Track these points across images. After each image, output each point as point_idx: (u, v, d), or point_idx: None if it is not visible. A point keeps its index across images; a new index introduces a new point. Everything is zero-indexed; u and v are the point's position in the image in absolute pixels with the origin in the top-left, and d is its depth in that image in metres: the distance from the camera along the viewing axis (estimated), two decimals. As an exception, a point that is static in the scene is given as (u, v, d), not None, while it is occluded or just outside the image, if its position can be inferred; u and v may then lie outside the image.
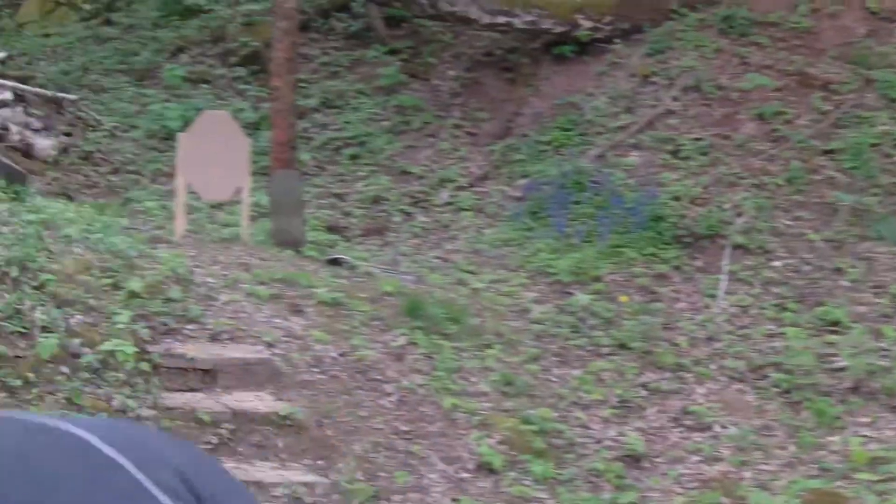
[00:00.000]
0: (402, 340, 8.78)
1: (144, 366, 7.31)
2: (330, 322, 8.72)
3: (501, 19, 15.39)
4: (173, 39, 18.61)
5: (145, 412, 7.02)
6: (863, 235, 11.48)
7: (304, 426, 7.42)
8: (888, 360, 9.31)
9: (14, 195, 9.24)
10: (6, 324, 6.99)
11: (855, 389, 9.00)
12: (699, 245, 11.48)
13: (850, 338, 9.67)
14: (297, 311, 8.77)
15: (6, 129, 13.10)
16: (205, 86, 16.81)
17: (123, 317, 7.48)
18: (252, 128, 15.05)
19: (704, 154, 12.77)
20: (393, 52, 17.02)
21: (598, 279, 10.96)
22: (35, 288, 7.39)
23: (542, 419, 8.20)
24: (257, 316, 8.45)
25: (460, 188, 13.87)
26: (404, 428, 7.81)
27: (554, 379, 9.12)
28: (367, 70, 16.76)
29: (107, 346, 7.17)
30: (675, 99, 13.76)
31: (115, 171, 14.24)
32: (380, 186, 13.99)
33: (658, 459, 8.31)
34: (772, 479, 8.00)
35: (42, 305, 7.28)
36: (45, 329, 7.08)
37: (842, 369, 9.21)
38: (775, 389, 9.10)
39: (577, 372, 9.29)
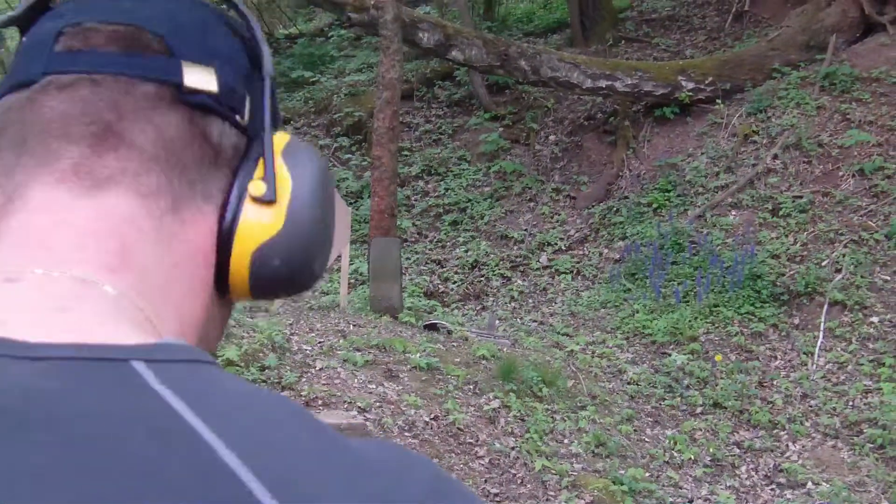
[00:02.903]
0: (495, 403, 8.84)
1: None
2: (424, 387, 8.81)
3: (603, 83, 15.50)
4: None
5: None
6: (965, 290, 11.31)
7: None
8: None
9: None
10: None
11: (953, 446, 8.87)
12: (796, 302, 11.42)
13: (949, 394, 9.53)
14: (392, 376, 8.87)
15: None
16: (309, 157, 17.18)
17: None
18: (354, 196, 15.40)
19: (804, 211, 12.71)
20: (495, 118, 17.25)
21: (694, 339, 10.97)
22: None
23: (633, 479, 8.20)
24: (352, 382, 8.57)
25: (559, 251, 13.99)
26: (494, 490, 7.86)
27: (647, 439, 9.12)
28: (469, 137, 17.00)
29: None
30: (775, 157, 13.73)
31: (218, 242, 14.57)
32: (479, 251, 14.17)
33: (751, 519, 8.29)
34: (866, 537, 7.93)
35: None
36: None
37: (940, 426, 9.08)
38: (870, 445, 8.99)
39: (670, 432, 9.29)
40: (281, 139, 1.00)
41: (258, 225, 0.94)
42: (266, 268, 0.96)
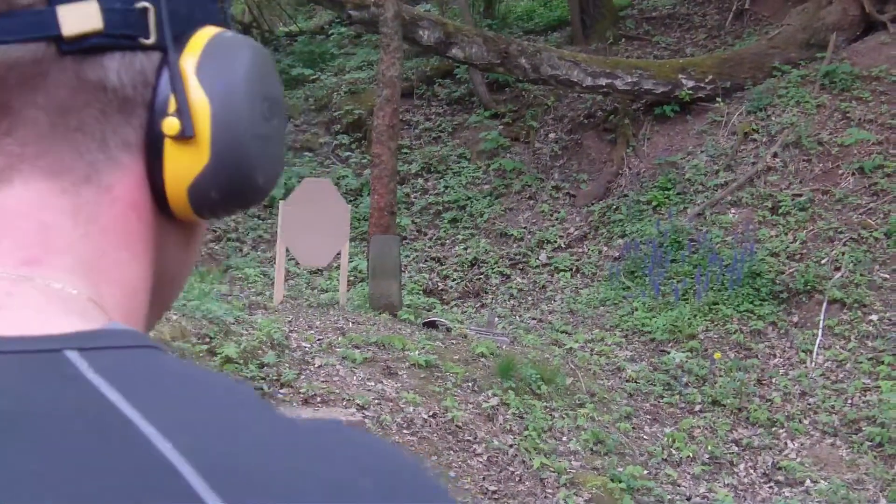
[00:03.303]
0: (493, 401, 8.85)
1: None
2: (422, 384, 8.82)
3: (603, 81, 15.50)
4: (279, 109, 19.08)
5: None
6: (965, 288, 11.32)
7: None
8: None
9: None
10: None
11: (952, 444, 8.87)
12: (795, 300, 11.42)
13: (948, 392, 9.54)
14: (391, 373, 8.88)
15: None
16: (308, 154, 17.20)
17: (217, 382, 7.67)
18: (354, 194, 15.40)
19: (803, 209, 12.72)
20: (495, 116, 17.25)
21: (693, 337, 10.97)
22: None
23: (632, 477, 8.21)
24: (350, 379, 8.58)
25: (558, 249, 14.00)
26: (492, 488, 7.87)
27: (645, 437, 9.13)
28: (468, 135, 17.00)
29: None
30: (775, 155, 13.73)
31: (217, 239, 14.64)
32: (478, 249, 14.18)
33: (748, 516, 8.29)
34: (864, 535, 7.93)
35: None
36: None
37: (939, 423, 9.09)
38: (868, 443, 9.00)
39: (668, 429, 9.29)
40: (196, 46, 0.90)
41: (183, 164, 0.88)
42: (206, 200, 0.91)
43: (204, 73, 0.88)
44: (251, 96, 0.90)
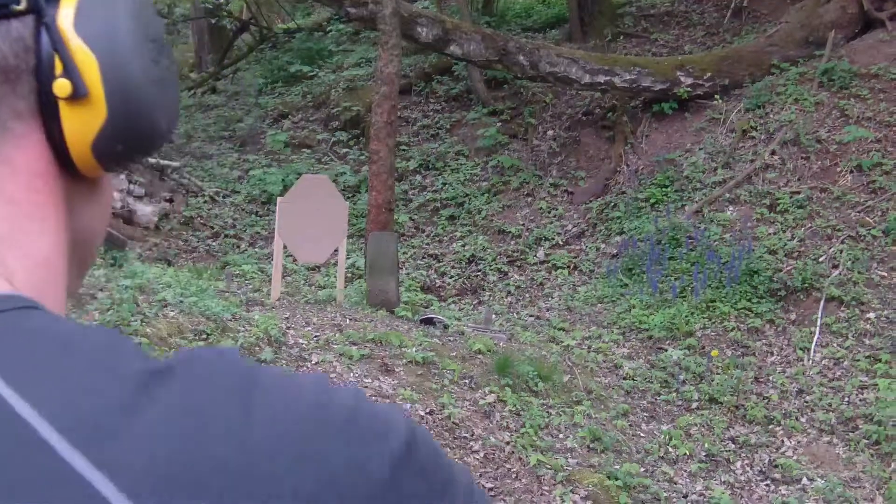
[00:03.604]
0: (490, 398, 8.83)
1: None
2: (419, 381, 8.80)
3: (602, 78, 15.50)
4: (277, 105, 19.10)
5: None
6: (963, 286, 11.32)
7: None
8: None
9: (112, 261, 9.54)
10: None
11: (950, 442, 8.87)
12: (793, 298, 11.42)
13: (945, 390, 9.54)
14: (388, 370, 8.86)
15: (110, 196, 13.48)
16: (307, 150, 17.21)
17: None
18: (352, 191, 15.40)
19: (801, 207, 12.71)
20: (493, 113, 17.24)
21: (690, 334, 10.97)
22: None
23: (628, 474, 8.19)
24: (348, 376, 8.56)
25: (556, 246, 14.00)
26: (489, 485, 7.86)
27: (642, 434, 9.12)
28: (467, 131, 17.00)
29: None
30: (773, 153, 13.72)
31: (215, 236, 14.64)
32: (476, 246, 14.18)
33: (745, 514, 8.29)
34: (861, 533, 7.93)
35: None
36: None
37: (936, 421, 9.08)
38: (865, 441, 8.99)
39: (665, 427, 9.28)
40: (69, 1, 0.87)
41: (82, 123, 0.87)
42: (112, 154, 0.90)
43: (83, 27, 0.87)
44: (136, 42, 0.89)
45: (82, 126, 0.87)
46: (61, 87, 0.85)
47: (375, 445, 0.73)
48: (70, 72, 0.85)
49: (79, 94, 0.86)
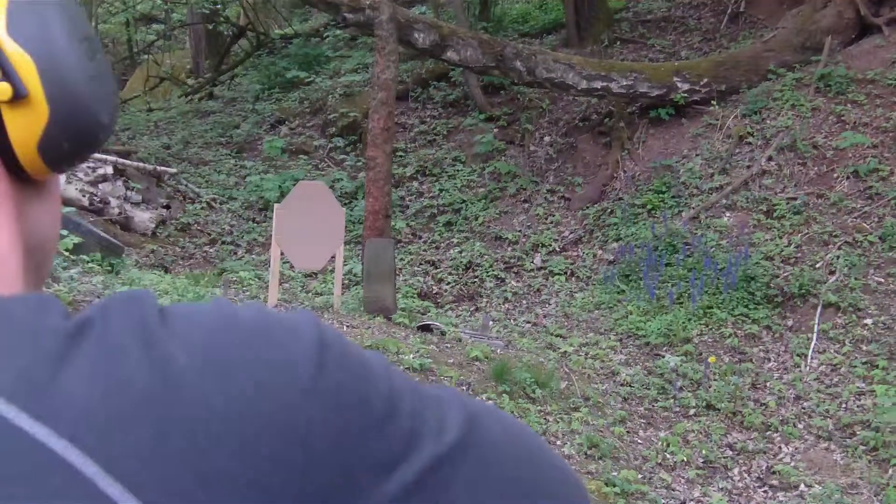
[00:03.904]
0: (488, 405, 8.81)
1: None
2: (416, 387, 8.79)
3: (599, 84, 15.50)
4: (273, 111, 19.11)
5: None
6: (960, 292, 11.32)
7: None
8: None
9: (109, 268, 9.53)
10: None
11: (947, 448, 8.86)
12: (790, 304, 11.42)
13: (943, 396, 9.53)
14: (385, 377, 8.85)
15: (106, 202, 13.52)
16: (303, 157, 17.22)
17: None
18: (349, 197, 15.40)
19: (798, 213, 12.72)
20: (490, 119, 17.25)
21: (687, 341, 10.97)
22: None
23: (626, 481, 8.18)
24: (344, 382, 8.54)
25: (553, 252, 14.00)
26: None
27: (640, 441, 9.11)
28: (463, 138, 17.01)
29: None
30: (770, 159, 13.73)
31: (212, 243, 14.64)
32: (473, 252, 14.18)
33: (743, 521, 8.28)
34: (859, 540, 7.92)
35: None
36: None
37: (934, 428, 9.07)
38: (863, 448, 8.98)
39: (663, 433, 9.27)
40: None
41: (26, 125, 0.89)
42: (58, 153, 0.92)
43: (16, 31, 0.88)
44: (70, 41, 0.91)
45: (27, 128, 0.89)
46: (1, 90, 0.87)
47: (293, 346, 0.74)
48: (9, 75, 0.87)
49: (19, 96, 0.87)
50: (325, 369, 0.74)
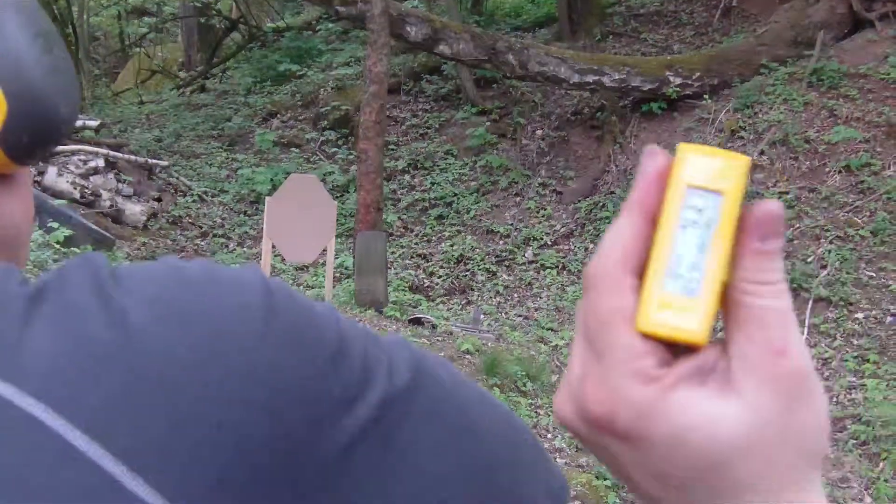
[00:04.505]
0: (478, 398, 8.81)
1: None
2: (407, 380, 8.78)
3: (591, 78, 15.48)
4: (265, 105, 19.09)
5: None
6: (951, 286, 11.32)
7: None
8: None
9: (100, 261, 9.48)
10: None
11: (938, 442, 8.86)
12: (782, 298, 11.41)
13: (933, 390, 9.53)
14: (375, 370, 8.84)
15: (97, 195, 13.47)
16: (295, 150, 17.20)
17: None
18: (341, 190, 15.38)
19: (790, 207, 12.71)
20: (482, 112, 17.23)
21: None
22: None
23: (616, 475, 8.17)
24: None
25: (544, 246, 13.99)
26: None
27: (630, 435, 9.11)
28: (456, 131, 16.99)
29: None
30: (762, 153, 13.72)
31: (204, 236, 14.61)
32: (464, 246, 14.17)
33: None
34: (849, 533, 7.91)
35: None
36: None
37: (924, 421, 9.07)
38: (853, 442, 8.97)
39: (653, 427, 9.27)
40: None
41: None
42: (20, 147, 0.94)
43: None
44: (26, 38, 0.92)
45: None
46: None
47: (243, 293, 0.75)
48: None
49: None
50: (275, 312, 0.75)
